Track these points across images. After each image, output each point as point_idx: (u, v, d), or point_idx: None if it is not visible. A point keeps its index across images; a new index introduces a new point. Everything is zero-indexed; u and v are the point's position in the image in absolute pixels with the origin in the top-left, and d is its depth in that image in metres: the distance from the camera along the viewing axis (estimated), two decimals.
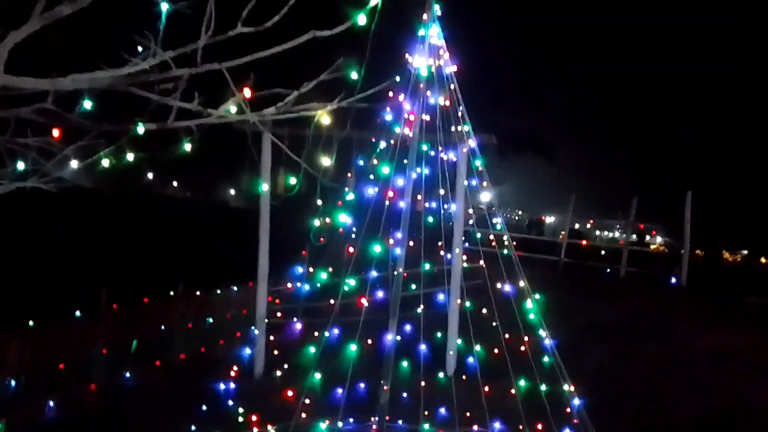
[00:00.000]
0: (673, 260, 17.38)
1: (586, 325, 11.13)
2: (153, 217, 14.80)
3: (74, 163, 4.26)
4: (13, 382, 6.97)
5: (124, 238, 12.90)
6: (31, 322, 7.26)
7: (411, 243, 6.71)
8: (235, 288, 10.51)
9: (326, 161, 4.36)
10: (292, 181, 5.70)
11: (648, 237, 26.59)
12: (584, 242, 20.49)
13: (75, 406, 7.59)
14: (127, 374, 8.52)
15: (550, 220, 25.84)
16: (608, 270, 17.64)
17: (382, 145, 6.66)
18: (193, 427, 6.35)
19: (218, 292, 10.32)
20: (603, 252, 20.15)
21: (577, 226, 25.07)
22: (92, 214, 12.70)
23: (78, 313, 8.00)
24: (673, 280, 16.10)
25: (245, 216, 10.50)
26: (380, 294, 7.07)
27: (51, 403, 7.42)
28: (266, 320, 8.53)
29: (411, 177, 6.56)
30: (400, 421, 7.25)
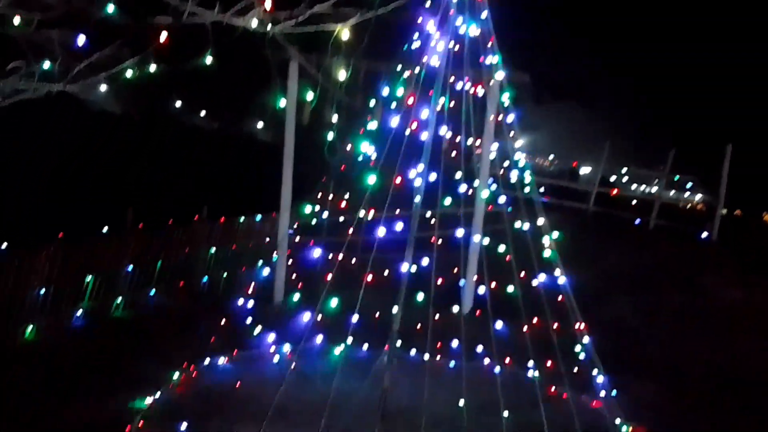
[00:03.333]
0: (706, 217, 16.94)
1: (608, 273, 11.01)
2: (180, 144, 14.86)
3: (102, 82, 4.22)
4: (42, 291, 7.26)
5: (152, 162, 13.06)
6: (60, 235, 7.48)
7: (433, 177, 6.58)
8: (259, 217, 10.63)
9: (342, 74, 4.27)
10: (310, 96, 5.60)
11: (685, 194, 25.80)
12: (615, 191, 20.07)
13: (101, 318, 7.92)
14: (151, 293, 8.81)
15: (584, 170, 25.20)
16: (637, 221, 17.30)
17: (407, 74, 6.46)
18: (212, 342, 6.54)
19: (241, 220, 10.45)
20: (634, 202, 19.73)
21: (613, 178, 24.37)
22: (121, 138, 12.84)
23: (105, 229, 8.22)
24: (705, 234, 15.73)
25: (270, 150, 10.48)
26: (399, 226, 7.01)
27: (78, 313, 7.75)
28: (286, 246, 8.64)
29: (435, 108, 6.40)
30: (412, 351, 7.38)
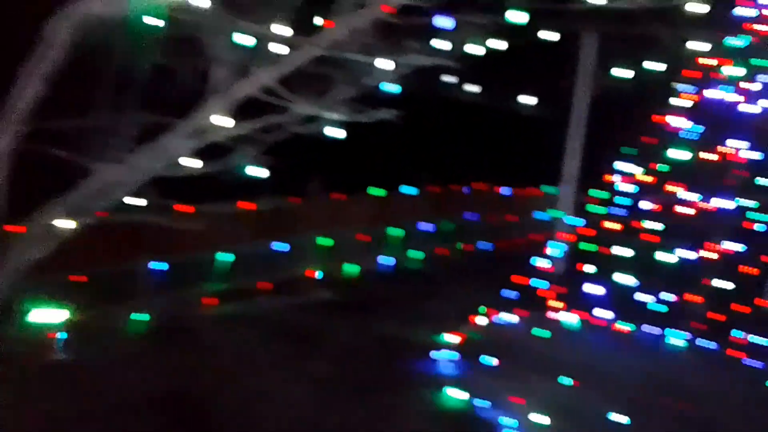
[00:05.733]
0: None
1: None
2: (458, 118, 15.52)
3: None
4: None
5: (438, 133, 14.09)
6: (371, 190, 8.81)
7: None
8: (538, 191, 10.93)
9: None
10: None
11: None
12: None
13: (398, 265, 9.16)
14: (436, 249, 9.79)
15: None
16: None
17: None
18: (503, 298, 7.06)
19: (506, 192, 10.88)
20: None
21: None
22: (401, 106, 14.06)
23: (403, 189, 9.45)
24: None
25: (550, 124, 10.48)
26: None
27: (383, 260, 9.04)
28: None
29: None
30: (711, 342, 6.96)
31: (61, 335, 5.58)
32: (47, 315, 3.58)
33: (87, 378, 5.18)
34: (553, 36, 4.54)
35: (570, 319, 7.36)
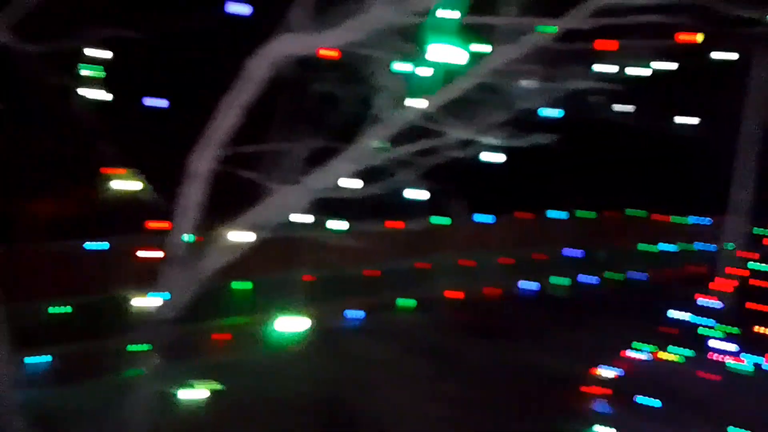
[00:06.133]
0: None
1: None
2: (606, 140, 14.79)
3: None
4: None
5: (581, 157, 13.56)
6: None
7: None
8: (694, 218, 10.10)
9: None
10: None
11: None
12: None
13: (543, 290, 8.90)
14: (588, 277, 9.37)
15: None
16: None
17: None
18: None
19: (671, 219, 10.10)
20: None
21: None
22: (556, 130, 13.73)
23: (550, 212, 9.20)
24: None
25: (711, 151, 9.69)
26: None
27: (526, 284, 8.86)
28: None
29: None
30: None
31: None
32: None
33: (245, 377, 5.66)
34: (730, 56, 4.21)
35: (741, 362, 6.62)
